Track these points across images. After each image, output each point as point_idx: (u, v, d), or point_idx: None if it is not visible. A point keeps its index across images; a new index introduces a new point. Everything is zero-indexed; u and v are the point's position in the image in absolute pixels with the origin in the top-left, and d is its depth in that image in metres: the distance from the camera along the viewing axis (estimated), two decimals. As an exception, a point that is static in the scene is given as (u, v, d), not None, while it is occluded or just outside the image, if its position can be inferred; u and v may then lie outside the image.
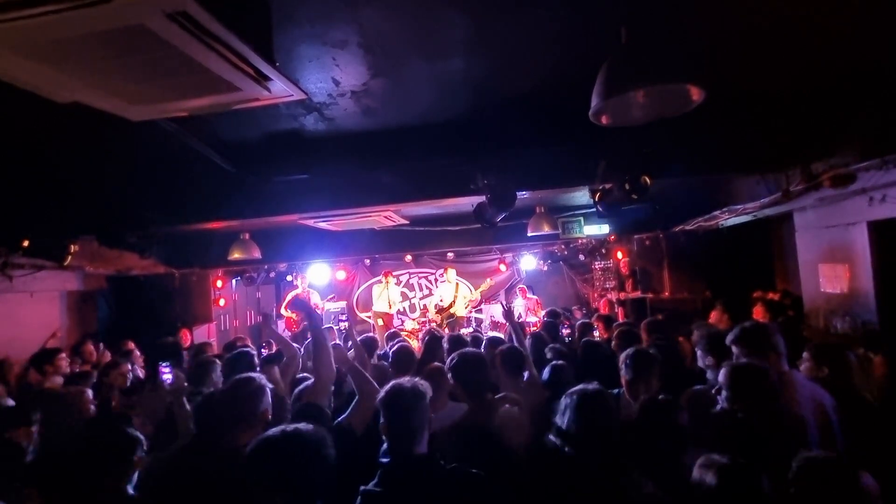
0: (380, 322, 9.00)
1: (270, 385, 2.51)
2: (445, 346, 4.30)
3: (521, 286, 9.83)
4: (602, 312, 7.35)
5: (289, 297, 9.02)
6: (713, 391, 2.64)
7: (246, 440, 2.03)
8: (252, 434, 2.10)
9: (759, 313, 5.12)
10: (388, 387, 2.10)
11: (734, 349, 2.79)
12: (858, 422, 2.52)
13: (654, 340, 3.91)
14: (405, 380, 2.13)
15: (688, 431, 2.28)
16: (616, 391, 2.87)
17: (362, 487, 1.91)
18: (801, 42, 2.57)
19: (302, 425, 1.84)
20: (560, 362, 3.42)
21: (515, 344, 3.62)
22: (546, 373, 3.33)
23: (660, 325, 4.49)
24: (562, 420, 2.11)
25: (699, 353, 3.16)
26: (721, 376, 2.49)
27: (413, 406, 2.00)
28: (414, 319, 10.26)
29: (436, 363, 3.30)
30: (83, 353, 5.09)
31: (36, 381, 4.41)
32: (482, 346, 4.36)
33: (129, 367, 4.29)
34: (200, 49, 1.69)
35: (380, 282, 9.55)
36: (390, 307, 9.18)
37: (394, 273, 9.74)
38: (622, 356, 2.92)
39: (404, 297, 11.07)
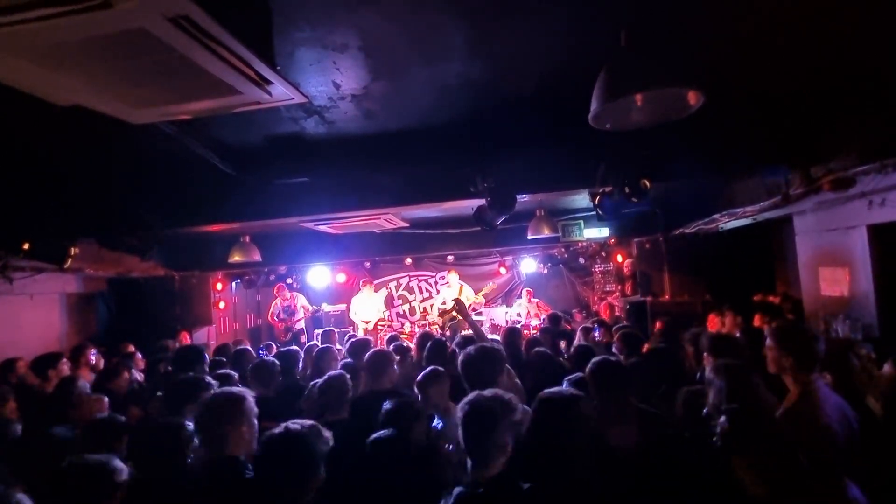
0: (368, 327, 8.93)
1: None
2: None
3: (527, 289, 9.80)
4: (604, 315, 7.35)
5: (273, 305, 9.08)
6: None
7: None
8: None
9: (756, 319, 5.11)
10: (470, 399, 1.92)
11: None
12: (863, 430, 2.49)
13: (657, 342, 3.93)
14: (488, 392, 1.94)
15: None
16: None
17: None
18: (800, 45, 2.57)
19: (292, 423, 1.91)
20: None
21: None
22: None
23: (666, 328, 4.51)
24: None
25: (705, 354, 3.23)
26: (708, 373, 2.50)
27: (496, 424, 1.84)
28: (414, 322, 10.24)
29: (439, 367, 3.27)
30: (83, 359, 5.07)
31: (35, 385, 4.38)
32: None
33: (128, 374, 4.25)
34: (202, 53, 1.70)
35: (359, 290, 9.35)
36: (377, 312, 9.02)
37: (374, 282, 9.53)
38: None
39: (404, 299, 11.05)
